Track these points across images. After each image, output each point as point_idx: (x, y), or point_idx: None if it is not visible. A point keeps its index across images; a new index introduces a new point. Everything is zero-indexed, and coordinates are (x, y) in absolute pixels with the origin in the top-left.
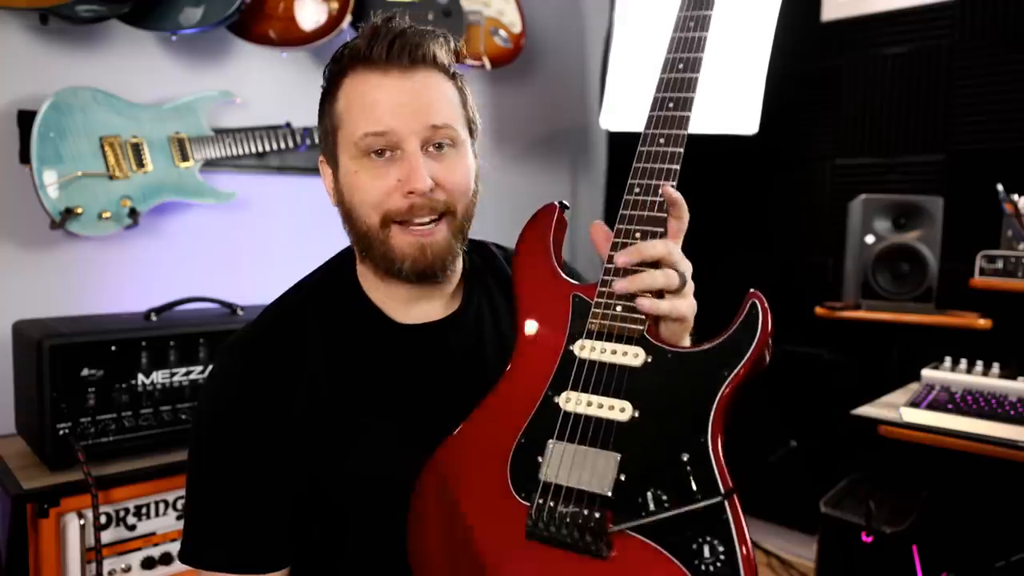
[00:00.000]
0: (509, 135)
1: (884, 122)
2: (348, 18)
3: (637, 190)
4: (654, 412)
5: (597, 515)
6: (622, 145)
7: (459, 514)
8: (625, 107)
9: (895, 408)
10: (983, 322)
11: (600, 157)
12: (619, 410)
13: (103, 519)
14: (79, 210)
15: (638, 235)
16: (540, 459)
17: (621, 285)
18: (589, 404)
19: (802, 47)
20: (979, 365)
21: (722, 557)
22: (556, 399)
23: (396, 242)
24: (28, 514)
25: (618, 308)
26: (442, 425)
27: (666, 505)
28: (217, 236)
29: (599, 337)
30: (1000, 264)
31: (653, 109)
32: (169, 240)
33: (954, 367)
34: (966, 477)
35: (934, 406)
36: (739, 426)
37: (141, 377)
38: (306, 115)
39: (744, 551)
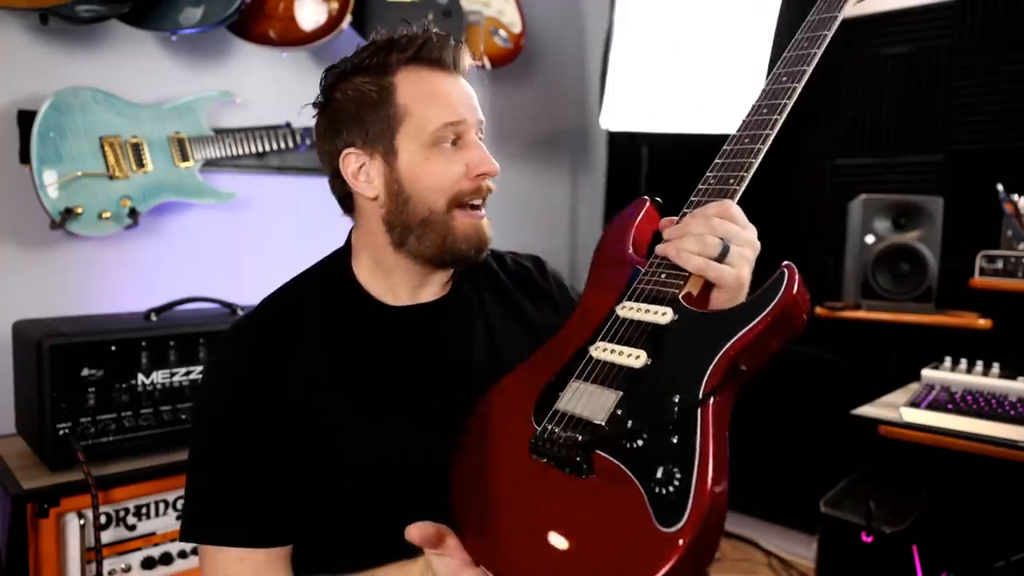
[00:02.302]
0: (509, 135)
1: (884, 122)
2: (348, 18)
3: (712, 180)
4: (665, 362)
5: (582, 438)
6: (622, 145)
7: (488, 441)
8: (625, 107)
9: (895, 408)
10: (983, 322)
11: (600, 157)
12: (635, 357)
13: (103, 519)
14: (79, 210)
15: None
16: (560, 394)
17: (660, 248)
18: (613, 352)
19: None
20: (979, 365)
21: (676, 483)
22: (589, 348)
23: (459, 225)
24: (28, 514)
25: (662, 275)
26: (431, 403)
27: (642, 434)
28: (217, 236)
29: (639, 299)
30: (1000, 264)
31: (749, 115)
32: (169, 240)
33: (954, 367)
34: (966, 477)
35: (934, 406)
36: (739, 426)
37: (141, 377)
38: (306, 115)
39: (702, 483)
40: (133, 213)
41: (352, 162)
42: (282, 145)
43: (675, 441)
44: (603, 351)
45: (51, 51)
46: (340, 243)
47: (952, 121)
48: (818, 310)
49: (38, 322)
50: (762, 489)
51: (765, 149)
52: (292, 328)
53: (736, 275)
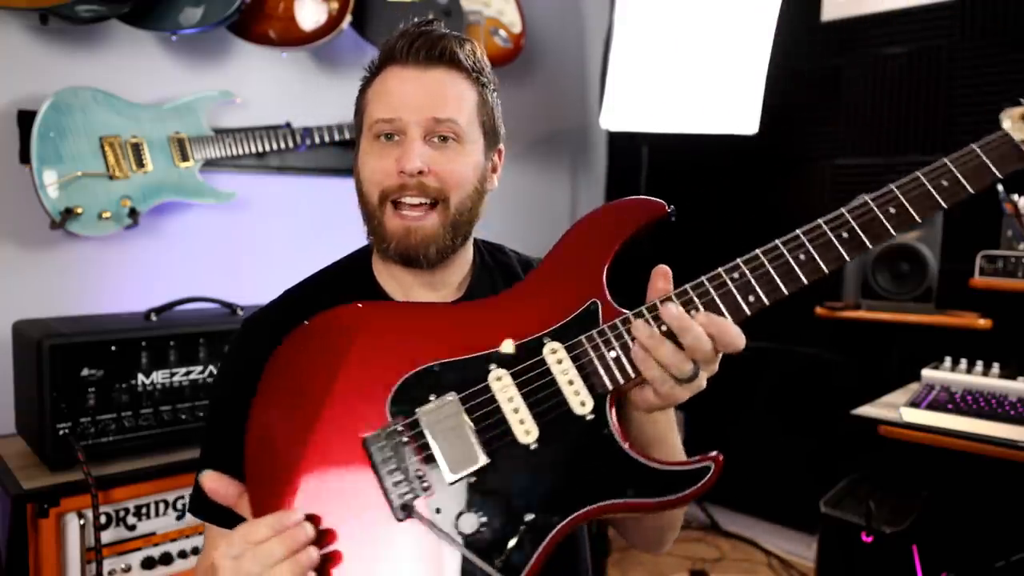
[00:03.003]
0: (509, 135)
1: (884, 122)
2: (348, 18)
3: (738, 277)
4: (549, 461)
5: (425, 485)
6: (622, 145)
7: (323, 395)
8: (625, 107)
9: (895, 408)
10: (983, 322)
11: (600, 157)
12: (524, 431)
13: (103, 519)
14: (79, 210)
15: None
16: (432, 397)
17: (638, 332)
18: (511, 400)
19: (802, 47)
20: (979, 365)
21: None
22: (491, 367)
23: (388, 222)
24: (28, 514)
25: (612, 353)
26: None
27: (468, 533)
28: (217, 236)
29: (574, 358)
30: (1000, 264)
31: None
32: (169, 240)
33: (954, 367)
34: (966, 477)
35: (934, 406)
36: (739, 426)
37: (141, 377)
38: (306, 115)
39: None
40: (133, 213)
41: (356, 154)
42: (282, 145)
43: (501, 560)
44: (502, 387)
45: (51, 51)
46: (340, 243)
47: (952, 121)
48: (818, 310)
49: (38, 322)
50: (762, 489)
51: (824, 273)
52: (303, 320)
53: (681, 399)
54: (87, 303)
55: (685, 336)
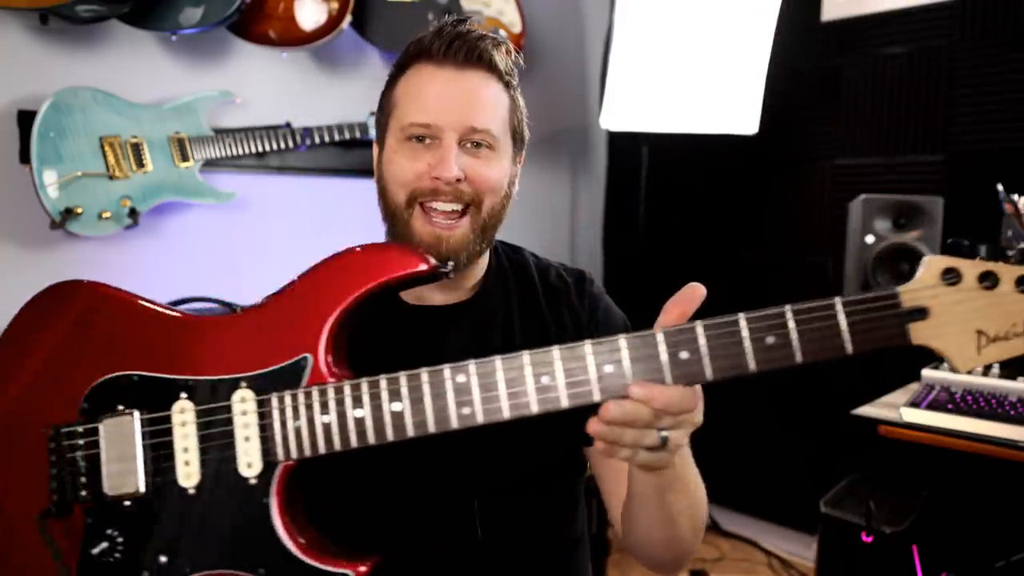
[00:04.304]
0: None
1: (884, 122)
2: (348, 18)
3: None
4: (201, 508)
5: (83, 494)
6: (622, 145)
7: (33, 359)
8: (625, 107)
9: (895, 408)
10: None
11: (600, 157)
12: (187, 475)
13: None
14: (79, 210)
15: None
16: (120, 408)
17: (593, 430)
18: (185, 438)
19: (802, 47)
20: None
21: None
22: (182, 395)
23: (416, 225)
24: None
25: (298, 421)
26: None
27: (95, 554)
28: (217, 236)
29: (261, 415)
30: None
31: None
32: (169, 240)
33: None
34: (966, 477)
35: (934, 406)
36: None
37: None
38: (306, 115)
39: None
40: (133, 213)
41: (375, 149)
42: (282, 145)
43: None
44: (181, 421)
45: (51, 51)
46: (339, 243)
47: (952, 121)
48: None
49: None
50: (762, 489)
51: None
52: None
53: (665, 461)
54: None
55: (639, 418)
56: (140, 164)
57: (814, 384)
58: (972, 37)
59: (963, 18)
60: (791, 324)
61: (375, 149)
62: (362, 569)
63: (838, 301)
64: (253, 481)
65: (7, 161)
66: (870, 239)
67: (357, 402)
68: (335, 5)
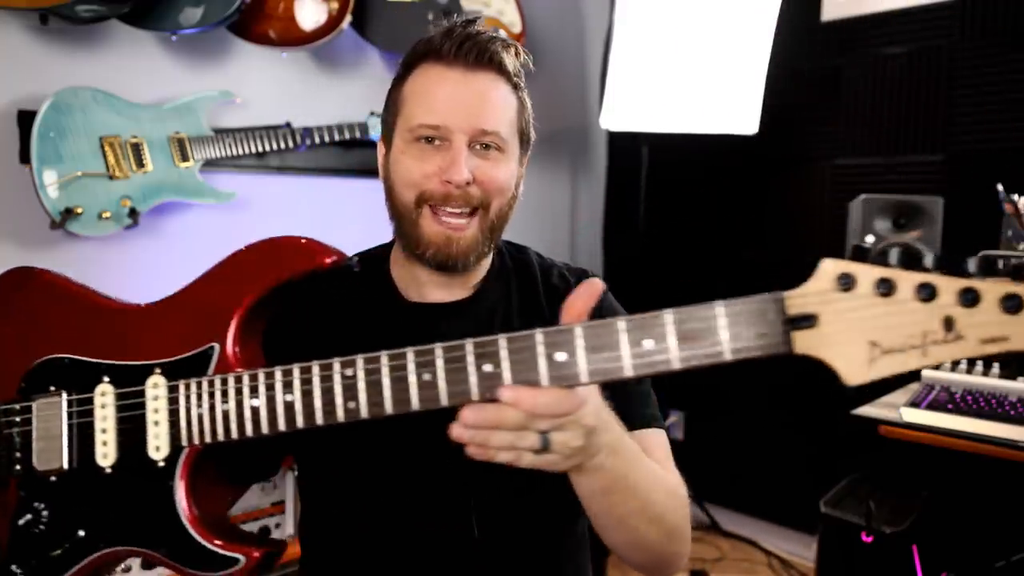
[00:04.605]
0: None
1: (884, 122)
2: (348, 18)
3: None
4: (116, 488)
5: (16, 468)
6: (622, 145)
7: None
8: (625, 107)
9: (895, 408)
10: None
11: (600, 157)
12: (104, 454)
13: None
14: (79, 210)
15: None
16: (52, 389)
17: (456, 434)
18: (104, 420)
19: (802, 47)
20: (979, 365)
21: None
22: (104, 379)
23: (425, 226)
24: None
25: (201, 408)
26: None
27: (20, 525)
28: (217, 236)
29: (170, 400)
30: (1000, 264)
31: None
32: (169, 240)
33: (954, 367)
34: (966, 477)
35: (934, 406)
36: (739, 426)
37: None
38: (306, 115)
39: None
40: (133, 213)
41: (381, 148)
42: (282, 145)
43: (36, 562)
44: (102, 403)
45: (51, 51)
46: (339, 243)
47: (952, 121)
48: None
49: None
50: (762, 489)
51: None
52: (315, 303)
53: (558, 463)
54: None
55: (506, 421)
56: (140, 164)
57: (814, 384)
58: (972, 37)
59: (963, 18)
60: (669, 328)
61: (380, 148)
62: (255, 555)
63: (719, 305)
64: (161, 464)
65: (7, 161)
66: (870, 239)
67: (254, 392)
68: (335, 5)
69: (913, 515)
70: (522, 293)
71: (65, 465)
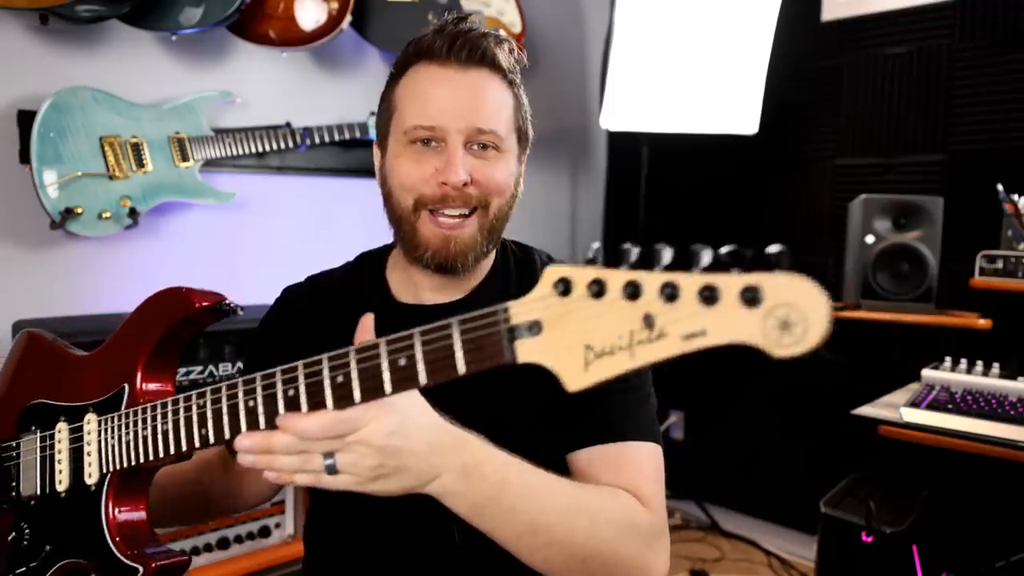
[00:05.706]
0: None
1: (884, 122)
2: (348, 18)
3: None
4: (68, 510)
5: (12, 495)
6: (622, 145)
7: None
8: (625, 107)
9: (895, 408)
10: (983, 322)
11: (600, 157)
12: (59, 481)
13: None
14: (79, 210)
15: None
16: (34, 428)
17: (245, 460)
18: (60, 453)
19: (802, 47)
20: (979, 365)
21: None
22: (61, 419)
23: (423, 229)
24: None
25: (114, 440)
26: None
27: (10, 539)
28: (217, 236)
29: (99, 433)
30: (1000, 264)
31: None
32: (169, 240)
33: (954, 367)
34: (966, 477)
35: (934, 406)
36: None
37: None
38: (306, 115)
39: None
40: (133, 213)
41: (376, 152)
42: (282, 145)
43: (20, 571)
44: (60, 439)
45: (51, 51)
46: (340, 243)
47: (952, 121)
48: None
49: (38, 322)
50: (762, 489)
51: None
52: (309, 305)
53: (343, 483)
54: (87, 303)
55: (277, 445)
56: (140, 164)
57: (814, 384)
58: (972, 37)
59: (963, 18)
60: (417, 345)
61: (376, 151)
62: (153, 566)
63: (455, 321)
64: (93, 489)
65: (7, 161)
66: (870, 239)
67: (156, 419)
68: (335, 5)
69: (913, 515)
70: (520, 293)
71: (38, 491)
